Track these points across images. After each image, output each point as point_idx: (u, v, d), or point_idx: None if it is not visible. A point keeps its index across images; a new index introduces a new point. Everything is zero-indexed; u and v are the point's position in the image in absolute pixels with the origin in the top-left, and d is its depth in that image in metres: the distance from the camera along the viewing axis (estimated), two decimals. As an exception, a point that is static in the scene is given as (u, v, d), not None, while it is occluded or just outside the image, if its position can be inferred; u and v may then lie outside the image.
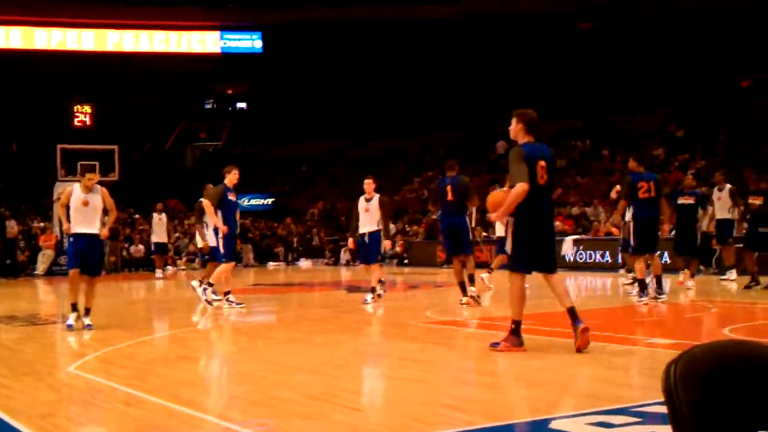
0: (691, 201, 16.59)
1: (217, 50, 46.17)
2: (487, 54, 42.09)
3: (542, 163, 8.21)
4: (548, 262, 8.47)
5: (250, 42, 46.37)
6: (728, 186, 17.87)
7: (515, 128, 8.55)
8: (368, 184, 14.68)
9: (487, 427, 5.30)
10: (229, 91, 52.89)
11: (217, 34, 46.02)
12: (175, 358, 9.30)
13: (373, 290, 14.49)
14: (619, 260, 21.13)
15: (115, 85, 44.80)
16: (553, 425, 5.17)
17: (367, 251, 14.53)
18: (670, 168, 30.78)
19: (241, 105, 53.37)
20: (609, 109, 37.82)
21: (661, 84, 35.95)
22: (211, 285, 14.45)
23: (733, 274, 17.80)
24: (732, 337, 9.10)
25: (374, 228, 14.39)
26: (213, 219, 14.01)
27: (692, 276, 16.66)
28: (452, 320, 11.79)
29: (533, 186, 8.03)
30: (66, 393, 7.20)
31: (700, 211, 17.01)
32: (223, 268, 14.09)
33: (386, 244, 14.61)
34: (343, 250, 34.54)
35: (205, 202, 14.54)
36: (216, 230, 14.14)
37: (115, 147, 32.95)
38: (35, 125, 42.57)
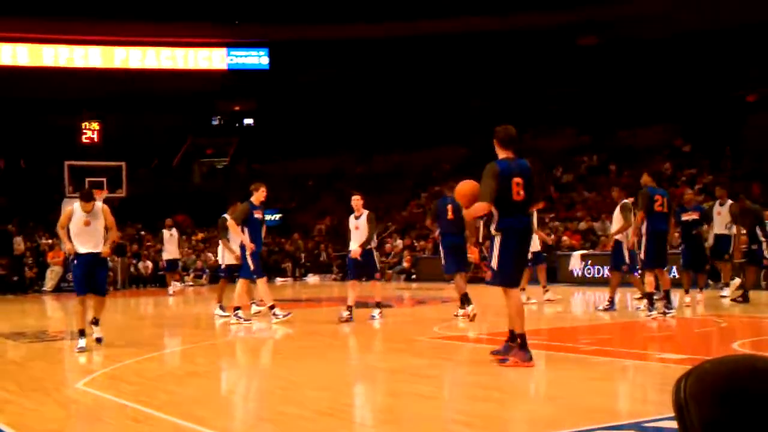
0: (695, 216, 16.40)
1: (224, 67, 46.27)
2: (491, 70, 42.19)
3: (517, 179, 8.33)
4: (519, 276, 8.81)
5: (257, 58, 46.46)
6: (729, 201, 17.41)
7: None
8: (356, 200, 14.48)
9: (496, 443, 5.29)
10: (236, 108, 52.96)
11: (223, 50, 46.14)
12: (184, 375, 9.30)
13: (379, 305, 14.42)
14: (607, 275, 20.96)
15: (123, 102, 44.91)
16: (562, 441, 5.15)
17: (363, 268, 14.32)
18: (677, 183, 30.74)
19: (248, 121, 53.42)
20: (615, 125, 37.82)
21: (668, 99, 35.95)
22: (238, 309, 14.33)
23: (727, 290, 17.47)
24: (742, 351, 9.06)
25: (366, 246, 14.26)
26: (239, 236, 13.94)
27: (700, 290, 16.45)
28: (460, 335, 11.77)
29: (509, 202, 8.25)
30: (74, 409, 7.19)
31: (705, 226, 16.93)
32: (259, 284, 14.21)
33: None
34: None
35: (230, 222, 14.45)
36: (243, 248, 14.10)
37: (123, 163, 33.03)
38: (43, 142, 42.68)
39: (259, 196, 14.19)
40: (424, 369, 8.61)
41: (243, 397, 7.41)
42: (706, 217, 16.81)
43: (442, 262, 14.29)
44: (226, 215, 15.85)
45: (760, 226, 16.86)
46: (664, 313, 13.19)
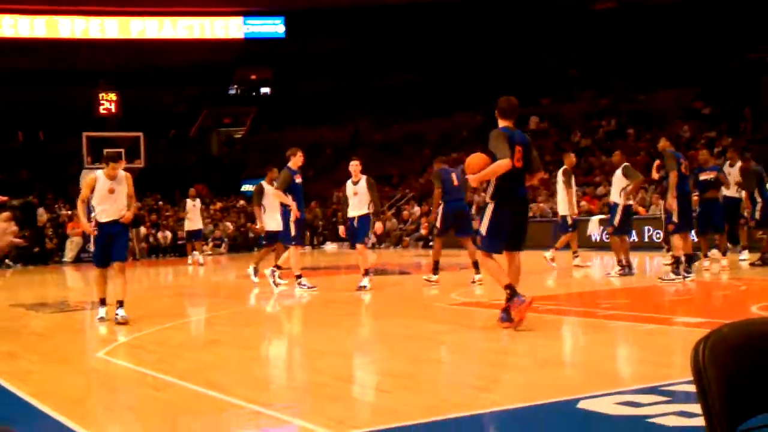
0: (712, 176, 15.96)
1: (241, 36, 46.17)
2: (508, 36, 41.90)
3: (519, 147, 8.45)
4: (520, 242, 8.80)
5: (273, 27, 46.33)
6: (739, 163, 17.07)
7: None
8: (354, 166, 14.35)
9: (514, 408, 5.30)
10: (253, 77, 52.90)
11: (240, 19, 46.01)
12: (204, 343, 9.37)
13: (366, 273, 14.10)
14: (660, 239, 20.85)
15: (140, 73, 44.93)
16: (580, 405, 5.16)
17: (356, 234, 14.25)
18: (695, 146, 30.52)
19: (265, 90, 53.38)
20: (633, 89, 37.56)
21: (685, 62, 35.65)
22: (279, 268, 14.65)
23: (744, 254, 17.21)
24: (760, 315, 9.03)
25: (364, 211, 14.09)
26: (287, 202, 13.89)
27: (723, 253, 15.94)
28: (478, 302, 11.79)
29: (512, 168, 8.31)
30: (95, 378, 7.26)
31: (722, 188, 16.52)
32: (293, 252, 14.18)
33: (378, 226, 14.17)
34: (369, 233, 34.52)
35: (275, 191, 14.34)
36: (285, 213, 14.05)
37: (140, 134, 33.11)
38: (61, 114, 42.85)
39: (296, 161, 14.11)
40: (442, 335, 8.64)
41: (263, 365, 7.46)
42: (723, 178, 16.39)
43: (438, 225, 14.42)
44: (263, 182, 15.91)
45: (759, 188, 16.53)
46: (684, 277, 13.15)
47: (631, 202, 15.19)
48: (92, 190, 10.56)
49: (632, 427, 4.74)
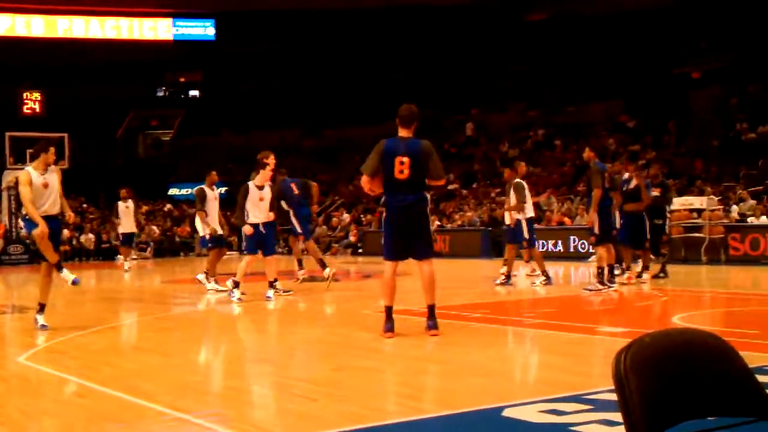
0: (656, 193, 16.11)
1: (170, 37, 45.70)
2: (441, 45, 42.18)
3: (402, 158, 8.58)
4: (417, 250, 8.84)
5: (203, 29, 45.98)
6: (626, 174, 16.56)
7: None
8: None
9: (440, 416, 5.33)
10: (182, 79, 52.40)
11: (169, 21, 45.56)
12: (128, 349, 9.23)
13: (272, 284, 13.71)
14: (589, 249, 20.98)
15: (66, 73, 44.14)
16: (505, 413, 5.21)
17: (265, 242, 13.76)
18: (620, 159, 31.10)
19: (194, 93, 52.91)
20: (563, 100, 38.12)
21: (614, 75, 36.29)
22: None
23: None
24: (681, 325, 9.22)
25: (271, 218, 13.81)
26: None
27: (646, 268, 15.70)
28: (406, 309, 11.82)
29: (391, 179, 8.60)
30: (16, 384, 7.11)
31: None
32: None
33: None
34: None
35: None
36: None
37: (65, 135, 32.51)
38: (-17, 112, 41.84)
39: (269, 166, 13.79)
40: (369, 342, 8.64)
41: (187, 371, 7.38)
42: (667, 194, 16.32)
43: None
44: (203, 186, 15.64)
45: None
46: (608, 287, 13.39)
47: (519, 217, 15.38)
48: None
49: (555, 435, 4.80)
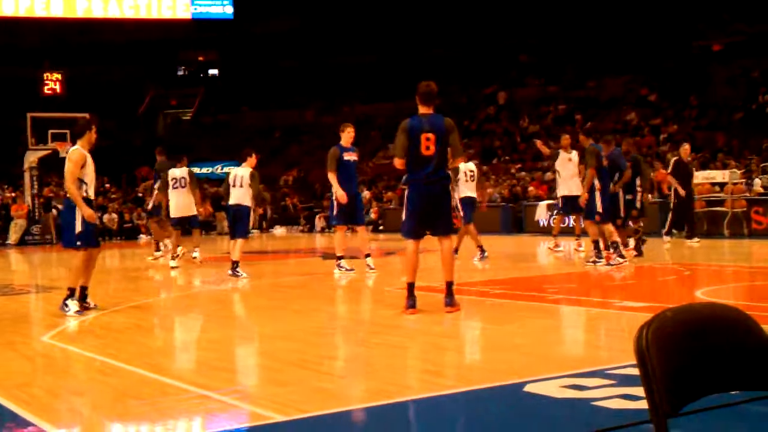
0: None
1: (188, 16, 45.66)
2: (456, 20, 41.99)
3: (427, 135, 8.66)
4: (438, 227, 8.92)
5: (221, 8, 45.91)
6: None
7: None
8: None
9: (463, 391, 5.35)
10: (201, 58, 52.43)
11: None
12: (152, 327, 9.30)
13: (234, 265, 13.70)
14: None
15: (86, 52, 44.27)
16: (527, 389, 5.23)
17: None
18: (641, 133, 30.92)
19: (213, 71, 52.93)
20: (583, 75, 37.87)
21: (634, 49, 36.02)
22: (341, 258, 13.92)
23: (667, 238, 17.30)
24: (704, 299, 9.20)
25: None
26: (332, 183, 13.29)
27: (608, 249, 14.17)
28: (427, 286, 11.84)
29: (417, 156, 8.64)
30: (41, 363, 7.18)
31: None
32: (337, 232, 14.56)
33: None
34: (317, 217, 34.56)
35: (329, 171, 13.39)
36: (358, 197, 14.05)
37: (86, 115, 32.58)
38: (4, 94, 42.00)
39: (347, 137, 13.50)
40: (392, 319, 8.67)
41: (212, 350, 7.42)
42: (636, 167, 15.07)
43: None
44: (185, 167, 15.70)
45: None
46: (618, 263, 13.34)
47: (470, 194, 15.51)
48: (83, 167, 9.48)
49: (578, 409, 4.81)
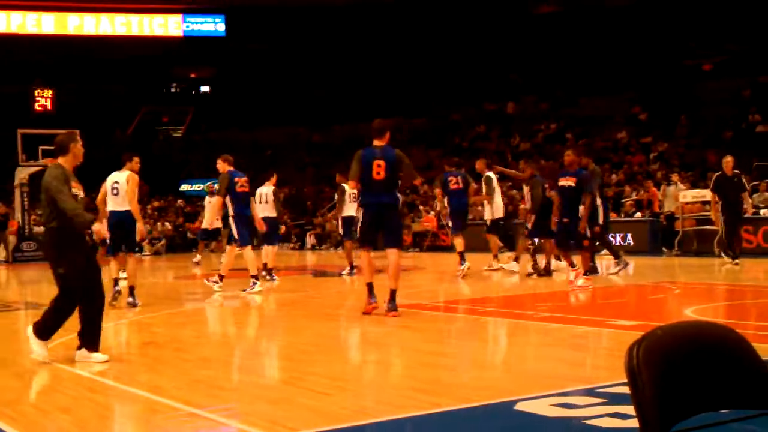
0: (571, 183, 13.32)
1: (180, 33, 45.73)
2: (449, 38, 42.10)
3: (379, 162, 10.19)
4: (385, 239, 10.51)
5: (213, 25, 46.01)
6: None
7: None
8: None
9: (453, 410, 5.33)
10: (192, 75, 52.47)
11: (179, 17, 45.59)
12: (141, 344, 9.26)
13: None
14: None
15: (77, 70, 44.25)
16: (518, 407, 5.22)
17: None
18: (631, 150, 31.02)
19: (205, 89, 52.98)
20: (574, 93, 37.99)
21: (625, 67, 36.15)
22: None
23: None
24: (694, 318, 9.20)
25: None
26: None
27: (585, 274, 13.33)
28: (417, 303, 11.83)
29: (370, 180, 10.18)
30: (30, 380, 7.14)
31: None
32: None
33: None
34: (308, 234, 34.53)
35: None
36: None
37: (77, 131, 32.52)
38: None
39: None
40: (382, 337, 8.65)
41: (200, 366, 7.39)
42: (584, 185, 13.43)
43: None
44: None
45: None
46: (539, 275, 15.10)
47: None
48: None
49: (568, 428, 4.80)
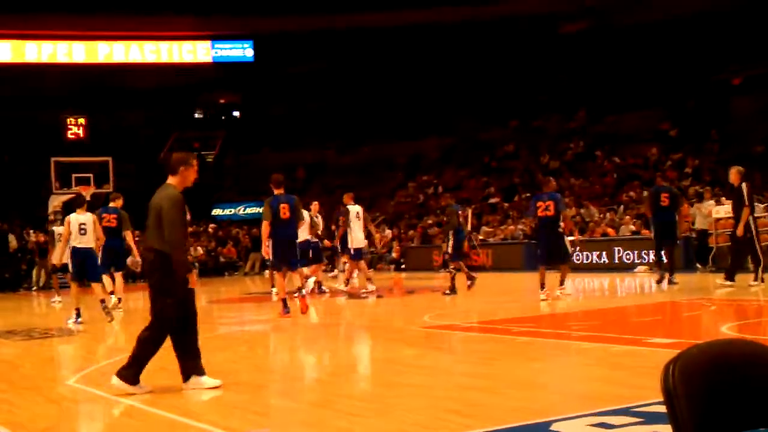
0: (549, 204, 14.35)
1: (209, 60, 46.13)
2: (477, 59, 42.15)
3: (284, 205, 13.27)
4: (291, 263, 13.57)
5: (242, 51, 46.37)
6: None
7: None
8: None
9: (489, 431, 5.31)
10: (222, 100, 52.85)
11: (208, 43, 46.00)
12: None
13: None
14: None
15: (108, 97, 44.70)
16: (554, 427, 5.19)
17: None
18: (662, 167, 30.82)
19: (235, 113, 53.35)
20: (602, 110, 37.86)
21: (653, 84, 35.98)
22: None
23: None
24: (729, 335, 9.12)
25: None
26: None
27: (561, 283, 14.66)
28: (450, 324, 11.81)
29: (278, 218, 13.19)
30: (66, 406, 7.19)
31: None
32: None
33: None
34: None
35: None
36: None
37: (109, 158, 32.90)
38: (28, 139, 42.42)
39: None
40: (415, 359, 8.64)
41: (234, 391, 7.42)
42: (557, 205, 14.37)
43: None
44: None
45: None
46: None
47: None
48: None
49: (605, 448, 4.77)
